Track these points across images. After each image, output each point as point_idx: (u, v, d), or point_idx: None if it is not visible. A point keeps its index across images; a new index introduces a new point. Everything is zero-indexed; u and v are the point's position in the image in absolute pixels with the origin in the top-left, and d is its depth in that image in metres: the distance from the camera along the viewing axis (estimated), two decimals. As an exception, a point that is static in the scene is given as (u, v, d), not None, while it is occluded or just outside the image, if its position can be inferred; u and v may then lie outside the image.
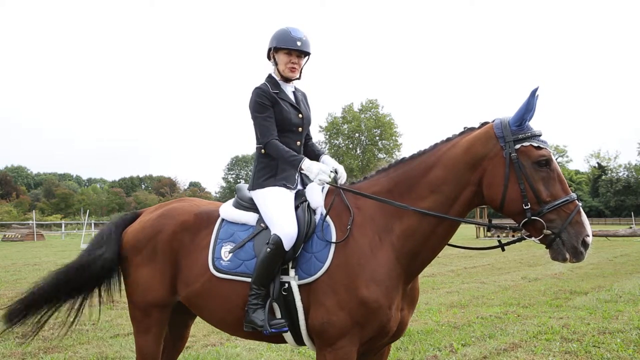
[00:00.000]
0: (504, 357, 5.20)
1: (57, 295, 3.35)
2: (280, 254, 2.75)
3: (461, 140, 2.72)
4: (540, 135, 2.56)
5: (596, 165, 76.38)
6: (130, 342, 5.65)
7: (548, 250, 2.51)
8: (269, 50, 3.15)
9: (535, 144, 2.51)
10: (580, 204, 2.49)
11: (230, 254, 2.94)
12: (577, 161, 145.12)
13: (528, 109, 2.52)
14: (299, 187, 3.12)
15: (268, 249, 2.75)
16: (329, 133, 65.80)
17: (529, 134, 2.53)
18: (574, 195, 2.48)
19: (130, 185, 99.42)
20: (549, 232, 2.45)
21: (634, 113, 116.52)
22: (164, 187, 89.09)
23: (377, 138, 65.52)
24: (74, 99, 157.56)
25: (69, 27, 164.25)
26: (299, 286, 2.75)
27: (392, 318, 2.69)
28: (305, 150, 3.37)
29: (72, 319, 3.41)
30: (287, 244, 2.76)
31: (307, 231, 2.83)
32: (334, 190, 2.97)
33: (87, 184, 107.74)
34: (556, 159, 2.60)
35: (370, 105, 65.88)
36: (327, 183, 2.84)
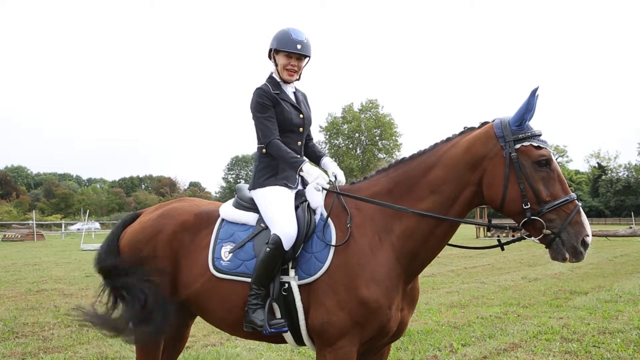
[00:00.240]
0: (504, 357, 5.20)
1: None
2: (280, 253, 2.75)
3: (461, 140, 2.72)
4: (540, 135, 2.56)
5: (596, 165, 76.39)
6: (130, 342, 5.65)
7: (548, 250, 2.51)
8: (270, 50, 3.15)
9: (535, 144, 2.51)
10: (580, 204, 2.49)
11: (230, 254, 2.94)
12: (577, 161, 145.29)
13: (528, 108, 2.52)
14: (300, 187, 3.12)
15: (268, 249, 2.75)
16: (329, 133, 65.80)
17: (529, 133, 2.53)
18: (573, 195, 2.48)
19: (130, 185, 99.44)
20: (548, 232, 2.45)
21: (634, 113, 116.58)
22: (164, 187, 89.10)
23: (377, 138, 65.52)
24: (74, 99, 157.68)
25: (69, 27, 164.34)
26: (299, 286, 2.75)
27: (392, 318, 2.69)
28: (306, 151, 3.37)
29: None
30: (287, 243, 2.76)
31: (307, 231, 2.83)
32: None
33: (87, 184, 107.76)
34: (556, 159, 2.60)
35: (370, 105, 65.88)
36: (324, 188, 2.83)
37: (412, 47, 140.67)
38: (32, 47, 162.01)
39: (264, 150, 3.05)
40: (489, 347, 5.49)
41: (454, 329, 6.38)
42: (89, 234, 29.68)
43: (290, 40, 3.05)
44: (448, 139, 2.79)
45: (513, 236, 2.95)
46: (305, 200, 2.97)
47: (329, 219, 2.83)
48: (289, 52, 3.05)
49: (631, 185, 69.59)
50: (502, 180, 2.53)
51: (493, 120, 2.68)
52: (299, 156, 2.96)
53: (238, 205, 3.14)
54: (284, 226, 2.79)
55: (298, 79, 3.21)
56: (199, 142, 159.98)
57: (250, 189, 3.14)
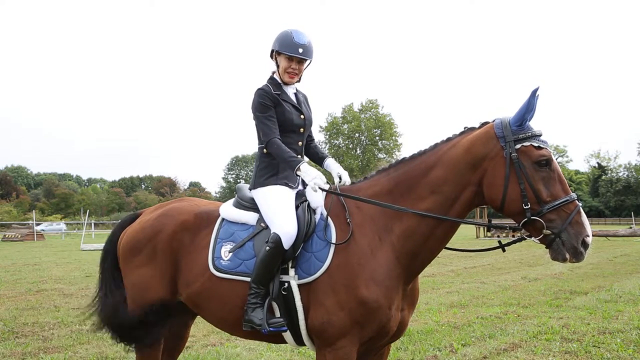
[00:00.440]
0: (504, 357, 5.20)
1: None
2: (279, 252, 2.75)
3: (461, 140, 2.71)
4: (540, 135, 2.55)
5: (596, 165, 76.39)
6: (130, 342, 5.64)
7: (548, 250, 2.51)
8: (272, 51, 3.16)
9: (536, 144, 2.51)
10: (580, 204, 2.48)
11: (230, 254, 2.95)
12: (577, 161, 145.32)
13: (529, 109, 2.51)
14: (300, 187, 3.12)
15: (267, 248, 2.75)
16: (329, 133, 65.80)
17: (530, 133, 2.53)
18: (574, 195, 2.48)
19: (130, 185, 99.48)
20: (548, 232, 2.45)
21: (634, 113, 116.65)
22: (164, 187, 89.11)
23: (377, 138, 65.51)
24: (74, 99, 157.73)
25: (69, 27, 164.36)
26: (299, 286, 2.75)
27: (392, 318, 2.69)
28: (309, 152, 3.38)
29: None
30: (287, 242, 2.76)
31: (307, 231, 2.83)
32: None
33: (87, 184, 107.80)
34: (556, 159, 2.60)
35: (370, 105, 65.86)
36: (320, 188, 2.83)
37: (412, 47, 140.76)
38: (32, 47, 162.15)
39: (264, 150, 3.06)
40: (489, 347, 5.49)
41: (454, 329, 6.38)
42: (88, 234, 29.68)
43: (292, 43, 3.04)
44: (448, 139, 2.79)
45: (513, 236, 2.96)
46: (306, 200, 2.97)
47: (329, 218, 2.83)
48: (290, 55, 3.05)
49: (631, 185, 69.59)
50: (503, 181, 2.53)
51: (493, 121, 2.68)
52: (297, 156, 2.96)
53: (238, 205, 3.14)
54: (284, 225, 2.79)
55: (298, 81, 3.22)
56: (199, 142, 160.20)
57: (250, 189, 3.14)
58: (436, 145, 2.81)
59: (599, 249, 18.10)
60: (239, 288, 2.88)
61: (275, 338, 2.89)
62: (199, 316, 3.38)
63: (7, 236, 32.18)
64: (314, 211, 2.93)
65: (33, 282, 11.07)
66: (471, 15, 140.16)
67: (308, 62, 3.16)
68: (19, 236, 31.64)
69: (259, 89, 3.08)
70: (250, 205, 3.09)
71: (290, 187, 3.06)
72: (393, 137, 65.22)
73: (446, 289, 9.75)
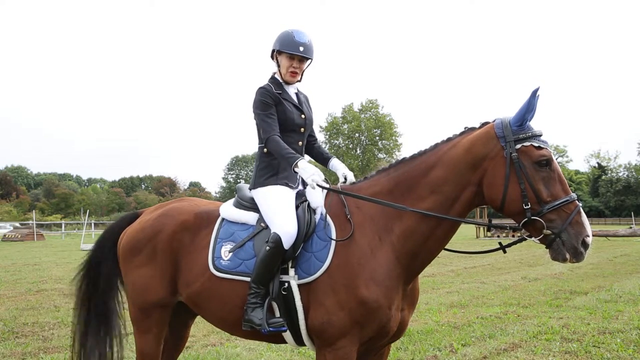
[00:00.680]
0: (504, 357, 5.20)
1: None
2: (279, 252, 2.75)
3: (462, 140, 2.71)
4: (540, 135, 2.55)
5: (596, 165, 76.39)
6: (130, 342, 5.63)
7: (548, 250, 2.51)
8: (273, 51, 3.16)
9: (536, 144, 2.51)
10: (580, 204, 2.49)
11: (230, 254, 2.95)
12: (577, 161, 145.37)
13: (529, 109, 2.51)
14: (300, 187, 3.12)
15: (267, 248, 2.75)
16: (329, 133, 65.80)
17: (530, 134, 2.53)
18: (574, 195, 2.48)
19: (130, 185, 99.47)
20: (549, 232, 2.45)
21: (634, 113, 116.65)
22: (164, 187, 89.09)
23: (377, 138, 65.51)
24: (74, 99, 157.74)
25: (69, 27, 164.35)
26: (299, 286, 2.75)
27: (392, 318, 2.69)
28: (313, 153, 3.38)
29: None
30: (287, 242, 2.76)
31: (307, 230, 2.83)
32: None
33: (87, 184, 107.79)
34: (556, 159, 2.60)
35: (370, 105, 65.86)
36: (318, 185, 2.82)
37: (412, 47, 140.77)
38: (32, 47, 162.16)
39: (265, 149, 3.06)
40: (489, 347, 5.49)
41: (454, 329, 6.38)
42: (88, 234, 29.67)
43: (293, 42, 3.05)
44: (449, 139, 2.79)
45: (513, 236, 2.96)
46: (306, 200, 2.97)
47: (329, 217, 2.83)
48: (292, 54, 3.06)
49: (631, 185, 69.58)
50: (503, 181, 2.53)
51: (494, 121, 2.68)
52: (295, 152, 2.94)
53: (238, 205, 3.14)
54: (284, 225, 2.79)
55: (300, 80, 3.22)
56: (199, 142, 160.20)
57: (250, 188, 3.14)
58: (436, 145, 2.80)
59: (599, 249, 18.09)
60: (239, 288, 2.88)
61: (275, 338, 2.89)
62: (199, 316, 3.39)
63: (7, 236, 32.19)
64: (314, 211, 2.93)
65: (33, 282, 11.07)
66: (471, 15, 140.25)
67: (309, 61, 3.16)
68: (19, 236, 31.65)
69: (260, 88, 3.09)
70: (250, 205, 3.09)
71: (291, 187, 3.06)
72: (393, 137, 65.23)
73: (446, 289, 9.75)
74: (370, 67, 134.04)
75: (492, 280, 10.94)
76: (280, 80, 3.16)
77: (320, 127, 65.30)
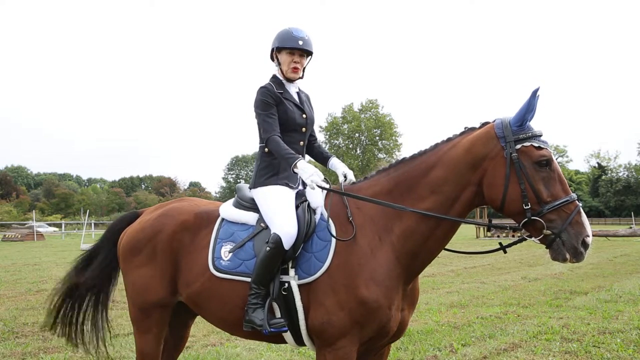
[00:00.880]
0: (504, 357, 5.20)
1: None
2: (279, 253, 2.75)
3: (462, 140, 2.71)
4: (541, 136, 2.55)
5: (596, 165, 76.40)
6: (130, 342, 5.65)
7: (548, 250, 2.51)
8: (272, 50, 3.15)
9: (536, 144, 2.51)
10: (580, 204, 2.49)
11: (230, 254, 2.94)
12: (577, 161, 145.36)
13: (529, 109, 2.51)
14: (300, 187, 3.12)
15: (268, 248, 2.75)
16: (329, 133, 65.78)
17: (530, 134, 2.53)
18: (574, 195, 2.48)
19: (130, 185, 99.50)
20: (549, 232, 2.45)
21: (634, 113, 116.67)
22: (164, 187, 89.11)
23: (377, 138, 65.50)
24: (74, 99, 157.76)
25: (69, 27, 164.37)
26: (299, 286, 2.75)
27: (392, 318, 2.69)
28: (313, 152, 3.38)
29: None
30: (287, 243, 2.76)
31: (307, 231, 2.83)
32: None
33: (87, 184, 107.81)
34: (556, 159, 2.60)
35: (370, 105, 65.85)
36: (318, 186, 2.82)
37: (412, 47, 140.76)
38: (32, 47, 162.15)
39: (265, 149, 3.05)
40: (489, 347, 5.49)
41: (454, 329, 6.38)
42: (88, 234, 29.65)
43: (291, 37, 3.05)
44: (449, 139, 2.78)
45: (513, 236, 2.96)
46: (306, 200, 2.97)
47: (329, 218, 2.83)
48: (291, 48, 3.05)
49: (631, 185, 69.59)
50: (503, 181, 2.53)
51: (494, 121, 2.67)
52: (294, 153, 2.93)
53: (238, 205, 3.13)
54: (284, 225, 2.79)
55: (302, 77, 3.21)
56: (199, 142, 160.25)
57: (251, 188, 3.14)
58: (436, 145, 2.80)
59: (599, 249, 18.09)
60: (239, 288, 2.88)
61: (276, 338, 2.89)
62: (199, 316, 3.38)
63: (7, 236, 32.18)
64: (314, 211, 2.93)
65: (33, 282, 11.06)
66: (471, 15, 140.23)
67: (309, 57, 3.16)
68: (19, 236, 31.64)
69: (261, 87, 3.08)
70: (250, 205, 3.09)
71: (291, 187, 3.05)
72: (393, 137, 65.21)
73: (446, 289, 9.75)
74: (370, 67, 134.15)
75: (492, 280, 10.94)
76: (282, 79, 3.15)
77: (320, 127, 65.28)
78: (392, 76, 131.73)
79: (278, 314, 2.78)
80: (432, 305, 7.94)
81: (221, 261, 2.94)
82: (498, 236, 24.50)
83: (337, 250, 2.72)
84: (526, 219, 2.49)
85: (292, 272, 2.78)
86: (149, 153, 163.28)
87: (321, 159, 3.37)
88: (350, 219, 2.77)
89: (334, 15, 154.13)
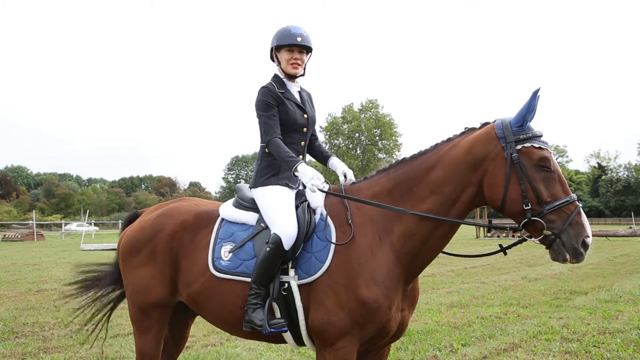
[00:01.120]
0: (504, 357, 5.20)
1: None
2: (280, 253, 2.75)
3: (462, 140, 2.71)
4: (541, 136, 2.55)
5: (596, 165, 76.38)
6: (130, 342, 5.65)
7: (548, 250, 2.51)
8: (271, 50, 3.15)
9: (537, 145, 2.51)
10: (580, 205, 2.48)
11: (230, 254, 2.94)
12: (577, 161, 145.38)
13: (529, 109, 2.51)
14: (300, 187, 3.11)
15: (268, 249, 2.75)
16: (329, 133, 65.75)
17: (530, 134, 2.53)
18: (574, 196, 2.48)
19: (130, 185, 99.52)
20: (549, 232, 2.45)
21: (634, 113, 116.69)
22: (164, 187, 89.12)
23: (377, 138, 65.46)
24: (74, 99, 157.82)
25: (69, 27, 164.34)
26: (299, 286, 2.75)
27: (392, 318, 2.69)
28: (313, 151, 3.37)
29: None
30: (287, 243, 2.76)
31: (307, 231, 2.82)
32: (334, 191, 2.96)
33: (87, 184, 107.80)
34: (556, 159, 2.60)
35: (370, 105, 65.81)
36: (319, 189, 2.81)
37: (412, 47, 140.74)
38: (32, 47, 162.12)
39: (266, 149, 3.05)
40: (489, 347, 5.49)
41: (454, 329, 6.38)
42: (88, 234, 29.68)
43: (290, 34, 3.05)
44: (449, 140, 2.78)
45: (513, 236, 2.97)
46: (306, 200, 2.96)
47: (329, 218, 2.83)
48: (290, 45, 3.05)
49: (631, 185, 69.58)
50: (503, 181, 2.53)
51: (494, 121, 2.67)
52: (295, 156, 2.94)
53: (238, 205, 3.13)
54: (284, 226, 2.78)
55: (303, 74, 3.20)
56: (199, 142, 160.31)
57: (251, 188, 3.14)
58: (437, 145, 2.80)
59: (599, 249, 18.09)
60: (239, 288, 2.88)
61: (275, 338, 2.89)
62: (199, 316, 3.38)
63: (7, 236, 32.18)
64: (314, 211, 2.92)
65: (33, 282, 11.06)
66: (471, 15, 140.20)
67: (309, 54, 3.15)
68: (19, 236, 31.64)
69: (262, 87, 3.07)
70: (250, 205, 3.09)
71: (291, 187, 3.05)
72: (393, 137, 65.17)
73: (446, 289, 9.75)
74: (370, 67, 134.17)
75: (492, 280, 10.94)
76: (283, 78, 3.15)
77: (320, 127, 65.25)
78: (392, 76, 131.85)
79: (278, 314, 2.78)
80: (432, 305, 7.94)
81: (221, 261, 2.94)
82: (498, 236, 24.47)
83: (337, 250, 2.72)
84: (526, 220, 2.49)
85: (292, 272, 2.78)
86: (149, 153, 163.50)
87: (321, 159, 3.37)
88: (350, 220, 2.77)
89: (334, 15, 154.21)
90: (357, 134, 65.83)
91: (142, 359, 3.20)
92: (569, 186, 2.55)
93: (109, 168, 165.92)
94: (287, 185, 3.03)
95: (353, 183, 3.06)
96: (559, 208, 2.44)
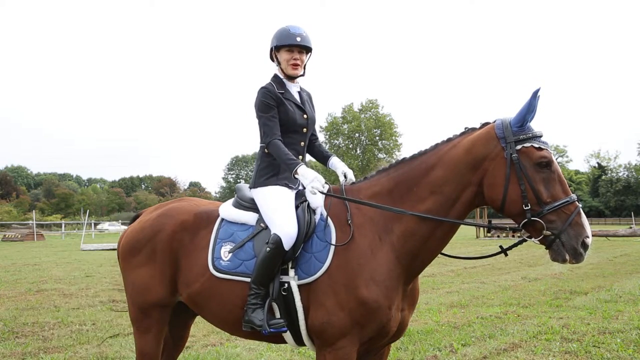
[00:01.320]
0: (504, 357, 5.20)
1: None
2: (279, 253, 2.75)
3: (462, 140, 2.71)
4: (541, 136, 2.55)
5: (596, 165, 76.40)
6: (130, 342, 5.65)
7: (548, 251, 2.51)
8: (271, 50, 3.15)
9: (537, 145, 2.51)
10: (580, 205, 2.49)
11: (230, 254, 2.94)
12: (577, 161, 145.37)
13: (530, 109, 2.51)
14: (300, 187, 3.11)
15: (268, 249, 2.75)
16: (329, 133, 65.76)
17: (530, 134, 2.53)
18: (574, 196, 2.48)
19: (130, 185, 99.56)
20: (548, 233, 2.45)
21: (634, 113, 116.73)
22: (164, 187, 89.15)
23: (377, 138, 65.47)
24: (74, 99, 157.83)
25: (69, 27, 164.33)
26: (299, 286, 2.75)
27: (392, 318, 2.69)
28: (313, 151, 3.37)
29: None
30: (287, 243, 2.76)
31: (307, 231, 2.82)
32: (334, 192, 2.96)
33: (87, 184, 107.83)
34: (556, 159, 2.60)
35: (370, 105, 65.81)
36: (319, 192, 2.81)
37: (412, 47, 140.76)
38: (32, 47, 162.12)
39: (266, 149, 3.05)
40: (489, 347, 5.49)
41: (454, 329, 6.38)
42: (88, 234, 29.70)
43: (289, 34, 3.05)
44: (449, 140, 2.78)
45: (513, 236, 2.98)
46: (306, 200, 2.96)
47: (329, 218, 2.83)
48: (290, 45, 3.05)
49: (631, 185, 69.59)
50: (503, 181, 2.53)
51: (494, 121, 2.67)
52: (295, 158, 2.94)
53: (238, 205, 3.13)
54: (284, 226, 2.78)
55: (303, 74, 3.19)
56: (199, 142, 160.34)
57: (251, 188, 3.13)
58: (437, 145, 2.80)
59: (599, 249, 18.10)
60: (239, 288, 2.88)
61: (275, 338, 2.89)
62: (199, 316, 3.39)
63: (7, 236, 32.18)
64: (314, 211, 2.92)
65: (33, 282, 11.06)
66: (471, 15, 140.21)
67: (309, 54, 3.15)
68: (19, 236, 31.64)
69: (262, 88, 3.07)
70: (250, 206, 3.09)
71: (291, 187, 3.05)
72: (393, 137, 65.18)
73: (446, 289, 9.75)
74: (370, 67, 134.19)
75: (492, 280, 10.94)
76: (282, 78, 3.15)
77: (320, 127, 65.24)
78: (392, 76, 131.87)
79: (278, 314, 2.78)
80: (432, 305, 7.94)
81: (221, 261, 2.94)
82: (498, 236, 24.45)
83: (337, 250, 2.72)
84: (526, 220, 2.49)
85: (292, 272, 2.78)
86: (149, 153, 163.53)
87: (321, 159, 3.37)
88: (349, 221, 2.77)
89: (334, 15, 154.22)
90: (357, 134, 65.84)
91: (142, 359, 3.20)
92: (569, 186, 2.55)
93: (109, 168, 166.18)
94: (286, 185, 3.03)
95: (353, 183, 3.06)
96: (559, 208, 2.44)
